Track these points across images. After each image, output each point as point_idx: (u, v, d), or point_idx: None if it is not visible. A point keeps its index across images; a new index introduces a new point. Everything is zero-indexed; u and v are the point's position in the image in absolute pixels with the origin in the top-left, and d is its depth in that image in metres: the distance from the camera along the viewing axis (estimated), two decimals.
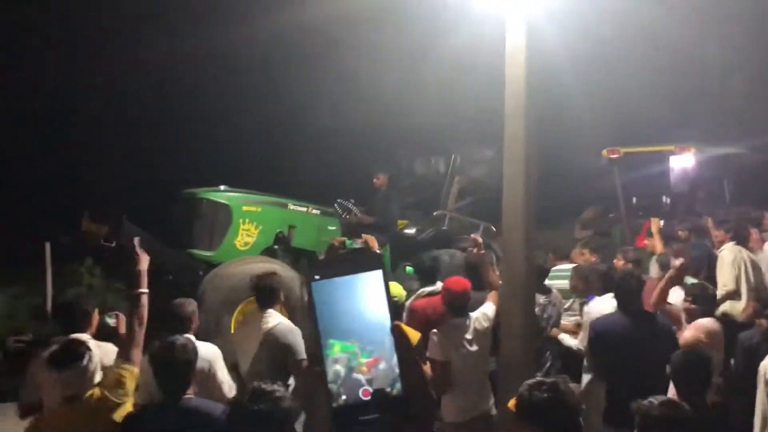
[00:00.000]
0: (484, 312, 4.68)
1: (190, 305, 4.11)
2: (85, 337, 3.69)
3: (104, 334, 4.04)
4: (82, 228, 6.31)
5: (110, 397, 3.13)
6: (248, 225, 7.16)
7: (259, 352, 4.18)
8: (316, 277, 1.01)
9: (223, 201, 7.11)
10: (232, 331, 5.73)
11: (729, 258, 5.96)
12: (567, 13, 4.35)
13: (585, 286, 5.41)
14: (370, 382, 0.99)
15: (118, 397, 3.15)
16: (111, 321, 4.14)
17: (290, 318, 5.75)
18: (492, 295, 4.77)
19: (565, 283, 5.71)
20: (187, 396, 3.11)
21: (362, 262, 0.97)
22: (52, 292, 5.78)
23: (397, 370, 0.98)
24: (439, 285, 4.98)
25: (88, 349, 3.21)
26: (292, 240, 7.34)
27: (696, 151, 9.50)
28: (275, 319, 4.30)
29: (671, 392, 3.46)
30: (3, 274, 7.61)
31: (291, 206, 7.62)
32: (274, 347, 4.16)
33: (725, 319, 5.10)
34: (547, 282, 5.46)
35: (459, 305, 4.61)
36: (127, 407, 3.25)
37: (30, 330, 6.83)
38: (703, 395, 3.33)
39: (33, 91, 12.02)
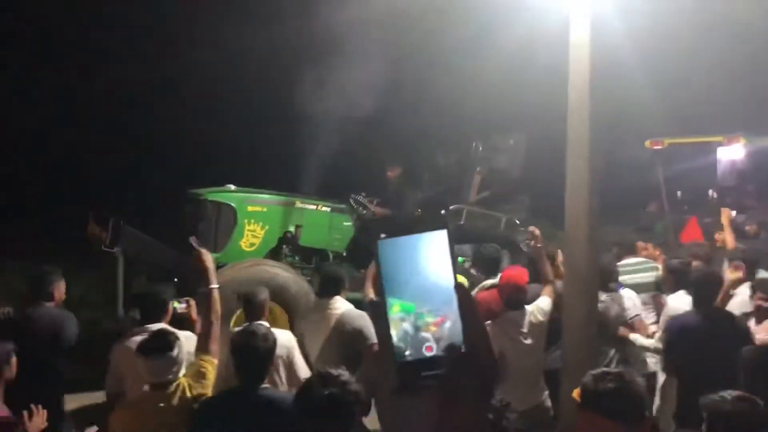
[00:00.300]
0: (540, 306, 4.69)
1: (263, 293, 4.21)
2: (162, 325, 3.80)
3: (174, 320, 4.15)
4: (88, 231, 6.29)
5: (194, 388, 3.24)
6: (254, 225, 7.06)
7: (329, 338, 4.24)
8: (382, 235, 1.03)
9: (226, 202, 6.99)
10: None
11: None
12: (631, 5, 4.29)
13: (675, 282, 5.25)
14: (437, 340, 1.02)
15: (201, 388, 3.26)
16: (181, 306, 4.23)
17: (291, 316, 5.84)
18: (548, 290, 4.78)
19: (634, 278, 5.67)
20: (263, 386, 3.19)
21: (428, 221, 0.98)
22: (123, 281, 5.87)
23: (460, 328, 1.02)
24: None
25: (177, 339, 3.33)
26: (299, 239, 7.17)
27: (746, 143, 9.26)
28: (343, 305, 4.36)
29: None
30: (80, 262, 7.68)
31: (299, 204, 7.43)
32: (345, 333, 4.22)
33: None
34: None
35: (515, 298, 4.63)
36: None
37: (104, 317, 6.94)
38: None
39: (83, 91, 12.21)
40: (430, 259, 1.11)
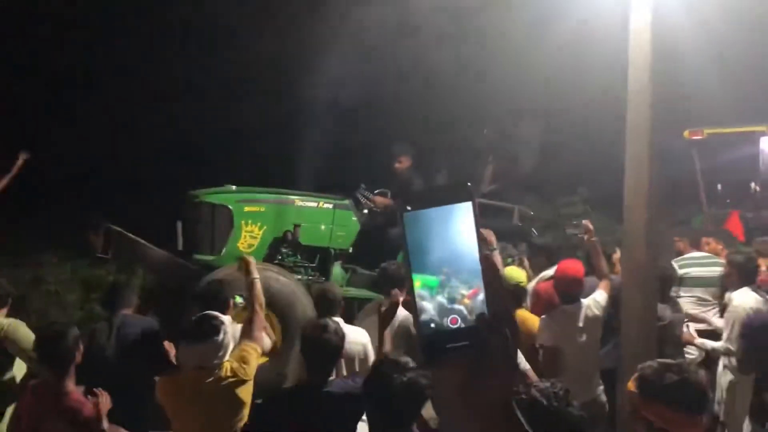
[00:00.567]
0: (597, 299, 4.60)
1: (337, 289, 4.23)
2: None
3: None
4: (89, 238, 6.28)
5: (238, 373, 3.25)
6: (251, 226, 6.80)
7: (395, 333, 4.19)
8: (408, 208, 0.98)
9: (221, 203, 6.77)
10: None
11: None
12: None
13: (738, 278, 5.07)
14: (469, 312, 0.98)
15: (244, 374, 3.26)
16: (241, 301, 4.27)
17: (285, 327, 5.74)
18: (604, 284, 4.68)
19: (699, 271, 5.54)
20: (331, 378, 3.17)
21: (453, 193, 0.95)
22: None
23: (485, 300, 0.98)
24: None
25: (223, 323, 3.32)
26: (299, 238, 6.90)
27: None
28: (401, 311, 4.33)
29: None
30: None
31: (299, 202, 7.12)
32: (406, 336, 4.17)
33: None
34: (680, 271, 5.26)
35: (571, 292, 4.55)
36: (250, 385, 3.35)
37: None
38: None
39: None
40: (458, 231, 1.06)
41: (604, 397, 4.58)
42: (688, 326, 5.06)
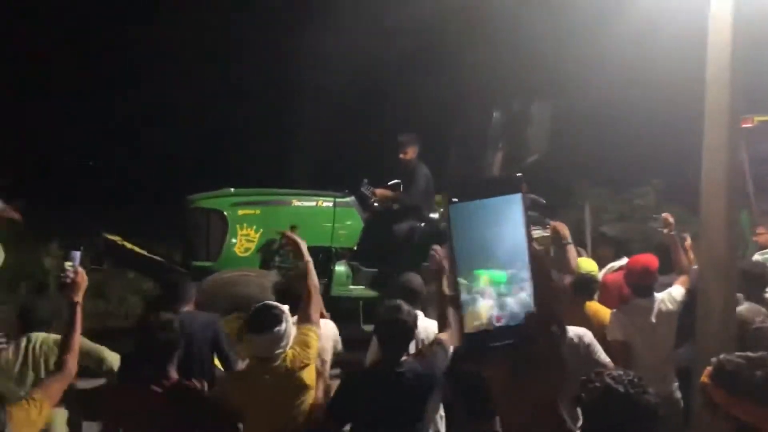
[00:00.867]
0: (672, 294, 4.47)
1: (420, 279, 4.24)
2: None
3: None
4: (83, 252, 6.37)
5: (299, 358, 3.27)
6: (247, 230, 6.62)
7: None
8: (454, 199, 0.92)
9: (215, 208, 6.64)
10: None
11: None
12: None
13: None
14: (518, 308, 0.93)
15: (306, 358, 3.29)
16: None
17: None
18: (682, 279, 4.53)
19: None
20: (403, 359, 3.19)
21: (501, 184, 0.89)
22: None
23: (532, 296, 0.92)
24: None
25: (283, 312, 3.34)
26: None
27: None
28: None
29: None
30: None
31: (296, 202, 6.91)
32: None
33: None
34: (760, 257, 5.02)
35: (644, 284, 4.43)
36: (312, 368, 3.39)
37: None
38: None
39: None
40: (508, 224, 1.01)
41: (678, 394, 4.44)
42: None
